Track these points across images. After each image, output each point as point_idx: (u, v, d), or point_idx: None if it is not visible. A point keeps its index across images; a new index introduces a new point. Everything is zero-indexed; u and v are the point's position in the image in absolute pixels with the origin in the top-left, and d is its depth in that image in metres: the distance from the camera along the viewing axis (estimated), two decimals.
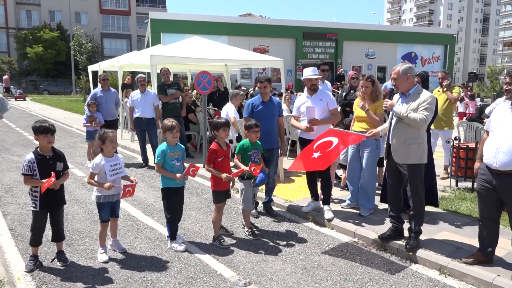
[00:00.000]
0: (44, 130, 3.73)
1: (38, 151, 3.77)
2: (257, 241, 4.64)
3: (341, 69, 22.78)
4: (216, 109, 9.98)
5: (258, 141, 4.80)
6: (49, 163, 3.76)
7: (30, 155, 3.74)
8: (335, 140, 4.51)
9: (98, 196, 4.06)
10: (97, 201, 4.07)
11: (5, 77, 31.24)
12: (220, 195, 4.56)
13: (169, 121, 4.37)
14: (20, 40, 44.48)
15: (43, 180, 3.65)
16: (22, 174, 3.72)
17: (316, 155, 4.52)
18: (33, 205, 3.80)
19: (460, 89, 7.73)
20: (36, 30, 44.28)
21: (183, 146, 4.55)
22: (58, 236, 3.97)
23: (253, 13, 59.62)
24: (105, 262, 4.00)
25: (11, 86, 32.10)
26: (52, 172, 3.68)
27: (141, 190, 6.63)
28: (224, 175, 4.38)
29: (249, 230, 4.77)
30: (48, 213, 3.88)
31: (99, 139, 4.05)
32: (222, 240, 4.50)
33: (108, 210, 4.12)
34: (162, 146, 4.34)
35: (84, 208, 5.71)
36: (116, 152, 4.19)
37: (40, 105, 25.07)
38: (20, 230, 4.82)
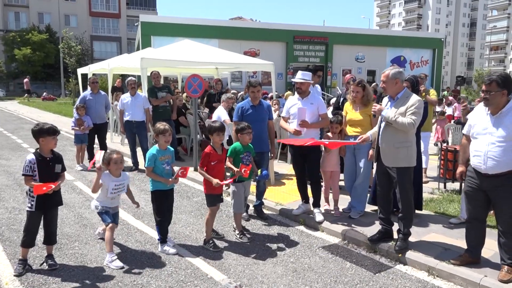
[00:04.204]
0: (53, 132, 3.81)
1: (39, 152, 3.81)
2: (248, 244, 4.65)
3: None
4: (207, 111, 9.97)
5: (250, 144, 4.81)
6: (49, 164, 3.80)
7: (31, 156, 3.76)
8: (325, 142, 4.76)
9: (97, 205, 4.20)
10: (96, 210, 4.21)
11: (25, 80, 32.58)
12: (213, 198, 4.55)
13: (162, 125, 4.37)
14: (8, 42, 43.92)
15: (43, 185, 3.67)
16: (23, 174, 3.72)
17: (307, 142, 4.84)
18: (29, 205, 3.81)
19: (462, 95, 7.91)
20: (25, 32, 43.77)
21: (172, 149, 4.54)
22: (50, 239, 3.97)
23: (243, 17, 59.64)
24: (121, 268, 3.94)
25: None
26: (51, 178, 3.77)
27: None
28: (215, 181, 4.36)
29: (240, 233, 4.78)
30: (42, 215, 3.89)
31: (105, 160, 4.14)
32: (212, 243, 4.50)
33: (110, 214, 4.20)
34: (153, 150, 4.33)
35: (73, 212, 5.67)
36: (124, 170, 4.31)
37: (28, 108, 24.78)
38: (8, 235, 4.76)
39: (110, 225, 4.11)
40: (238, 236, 4.77)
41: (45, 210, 3.86)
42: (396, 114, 4.12)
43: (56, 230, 4.04)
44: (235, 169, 4.52)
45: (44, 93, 34.98)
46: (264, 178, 4.98)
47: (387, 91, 4.28)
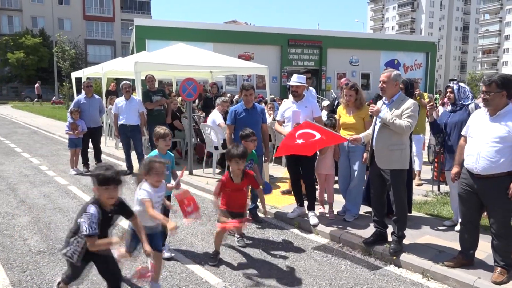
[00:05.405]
0: (104, 181, 2.76)
1: (100, 203, 2.88)
2: (243, 247, 4.64)
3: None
4: (203, 115, 9.98)
5: (253, 151, 4.74)
6: (108, 219, 2.96)
7: (94, 209, 2.80)
8: (317, 134, 4.58)
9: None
10: (131, 231, 3.47)
11: (36, 85, 33.49)
12: (226, 216, 4.21)
13: (162, 129, 4.26)
14: (1, 46, 43.61)
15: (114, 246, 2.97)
16: (88, 235, 2.75)
17: (299, 141, 4.60)
18: (70, 256, 2.92)
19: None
20: (18, 36, 43.55)
21: (172, 155, 4.44)
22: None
23: (238, 20, 59.89)
24: None
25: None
26: (106, 231, 2.98)
27: (125, 197, 6.55)
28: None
29: (240, 237, 4.74)
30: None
31: (144, 168, 3.50)
32: (214, 256, 4.25)
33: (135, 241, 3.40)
34: (153, 153, 4.24)
35: (67, 216, 5.63)
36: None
37: (22, 112, 24.64)
38: (1, 240, 4.71)
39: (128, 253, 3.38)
40: (238, 240, 4.71)
41: (92, 260, 3.02)
42: (392, 116, 4.15)
43: (120, 276, 3.18)
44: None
45: (54, 97, 35.02)
46: (267, 192, 4.83)
47: (386, 91, 4.29)
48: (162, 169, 3.46)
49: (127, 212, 3.09)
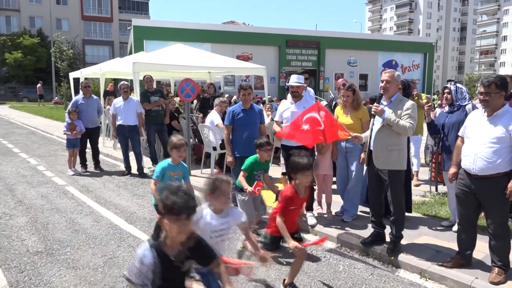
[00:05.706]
0: (174, 210, 2.00)
1: (162, 245, 2.09)
2: (240, 248, 4.63)
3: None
4: (201, 115, 9.98)
5: (267, 161, 4.60)
6: (173, 268, 2.12)
7: (150, 259, 2.05)
8: (322, 124, 4.59)
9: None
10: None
11: (38, 85, 33.28)
12: (278, 240, 3.64)
13: (178, 139, 3.99)
14: None
15: None
16: (128, 280, 2.10)
17: (305, 127, 4.58)
18: None
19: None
20: (16, 36, 43.46)
21: (186, 166, 4.21)
22: None
23: (236, 21, 59.94)
24: None
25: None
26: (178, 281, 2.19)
27: (123, 198, 6.57)
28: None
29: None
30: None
31: (208, 187, 2.83)
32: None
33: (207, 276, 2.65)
34: (164, 163, 4.04)
35: (65, 217, 5.62)
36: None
37: (20, 113, 24.59)
38: None
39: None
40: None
41: None
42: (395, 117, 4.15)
43: None
44: (250, 188, 4.22)
45: (56, 98, 34.89)
46: None
47: (388, 91, 4.26)
48: (228, 190, 2.83)
49: (205, 257, 2.24)
